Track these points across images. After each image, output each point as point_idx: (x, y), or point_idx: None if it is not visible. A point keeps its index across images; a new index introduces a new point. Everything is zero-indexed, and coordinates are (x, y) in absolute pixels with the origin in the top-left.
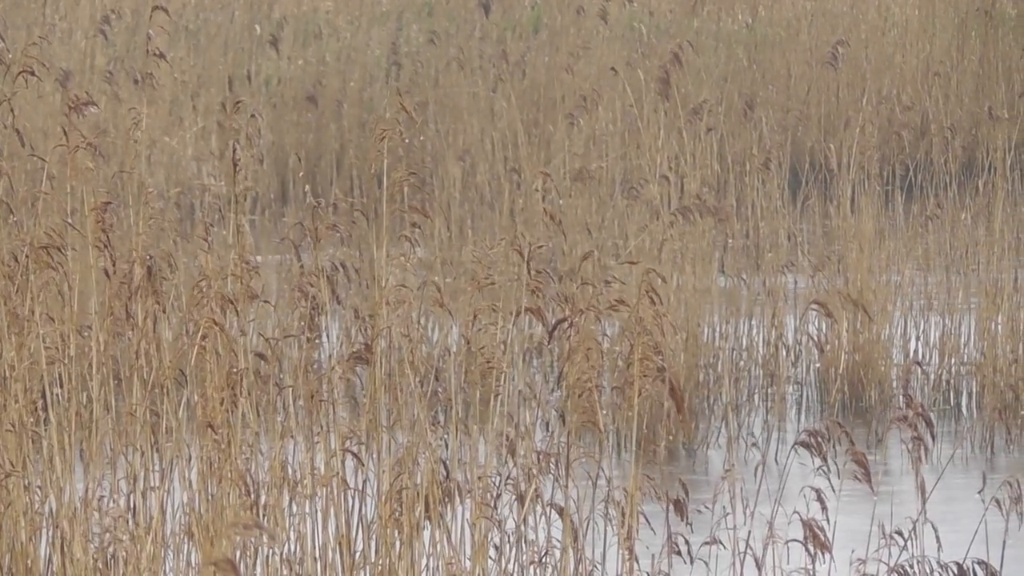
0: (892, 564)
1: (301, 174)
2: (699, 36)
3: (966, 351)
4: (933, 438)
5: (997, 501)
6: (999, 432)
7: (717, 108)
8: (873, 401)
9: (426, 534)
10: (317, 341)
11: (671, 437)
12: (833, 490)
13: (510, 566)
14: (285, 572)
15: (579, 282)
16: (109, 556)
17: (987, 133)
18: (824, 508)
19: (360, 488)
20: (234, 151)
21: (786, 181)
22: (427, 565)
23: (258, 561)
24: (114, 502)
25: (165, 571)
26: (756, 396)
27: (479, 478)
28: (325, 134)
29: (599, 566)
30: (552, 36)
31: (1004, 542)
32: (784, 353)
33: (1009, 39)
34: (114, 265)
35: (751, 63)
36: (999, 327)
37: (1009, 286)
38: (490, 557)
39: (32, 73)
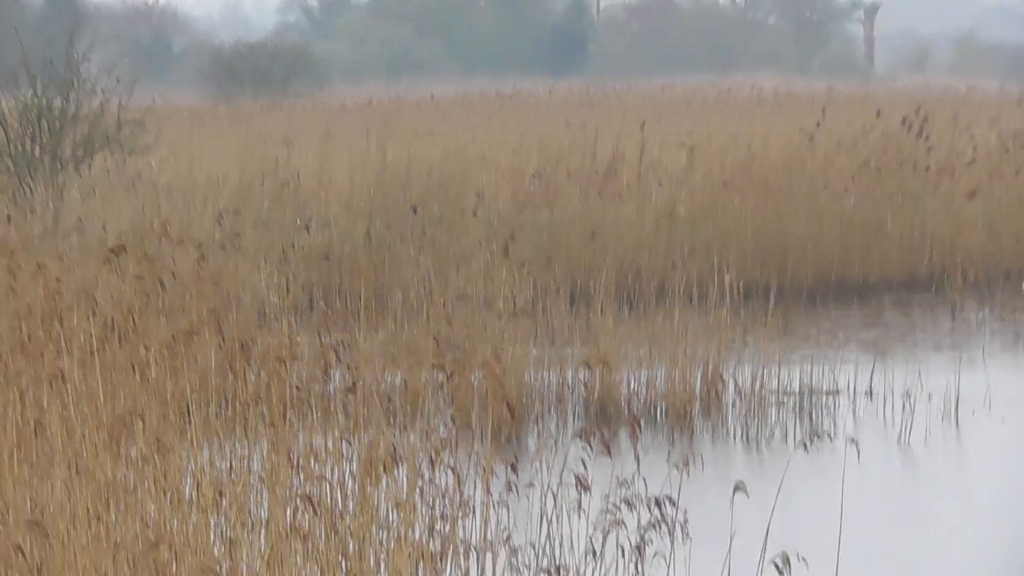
0: (621, 498)
1: (319, 295)
2: (524, 224)
3: (659, 386)
4: (641, 431)
5: (679, 464)
6: (677, 429)
7: (533, 262)
8: (612, 412)
9: (384, 482)
10: (328, 381)
11: (509, 431)
12: (590, 458)
13: (428, 498)
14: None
15: (463, 351)
16: (219, 494)
17: (671, 275)
18: (586, 468)
19: (349, 458)
20: (287, 283)
21: (568, 300)
22: (384, 499)
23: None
24: (224, 464)
25: (249, 504)
26: (553, 410)
27: (410, 452)
28: (332, 276)
29: (471, 495)
30: (447, 223)
31: (680, 486)
32: (567, 388)
33: (683, 228)
34: (224, 342)
35: (551, 239)
36: (676, 374)
37: (682, 353)
38: (416, 494)
39: (181, 242)
